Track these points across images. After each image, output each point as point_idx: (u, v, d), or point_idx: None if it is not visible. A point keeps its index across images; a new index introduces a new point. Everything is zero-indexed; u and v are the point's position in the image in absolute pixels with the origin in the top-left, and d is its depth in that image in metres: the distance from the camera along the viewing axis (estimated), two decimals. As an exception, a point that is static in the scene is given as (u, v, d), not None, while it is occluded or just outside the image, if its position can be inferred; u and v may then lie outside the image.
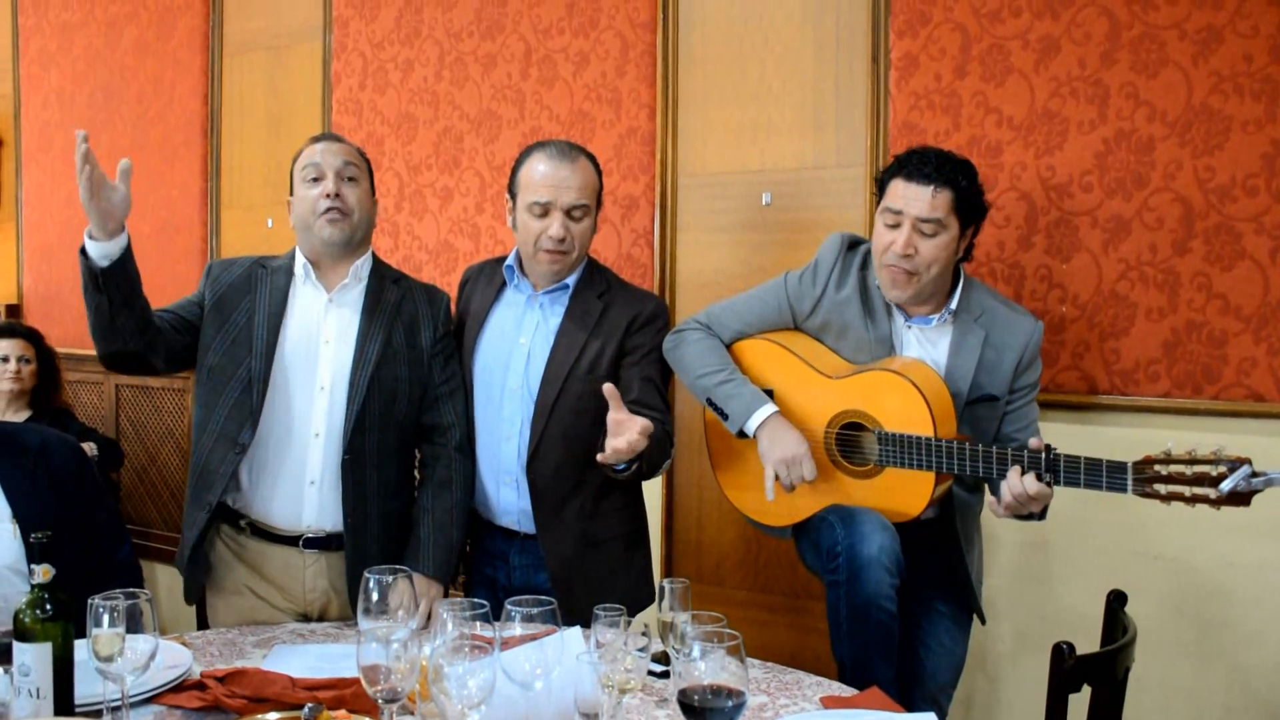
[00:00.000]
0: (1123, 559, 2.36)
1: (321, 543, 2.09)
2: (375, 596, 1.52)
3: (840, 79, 2.64)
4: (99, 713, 1.45)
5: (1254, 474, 1.68)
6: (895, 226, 2.02)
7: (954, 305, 2.07)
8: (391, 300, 2.16)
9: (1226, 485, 1.68)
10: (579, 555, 2.18)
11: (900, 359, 2.07)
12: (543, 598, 1.46)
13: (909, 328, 2.10)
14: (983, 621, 2.22)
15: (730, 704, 1.31)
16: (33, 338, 3.63)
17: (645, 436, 1.94)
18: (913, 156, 2.04)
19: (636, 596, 2.21)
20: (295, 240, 2.18)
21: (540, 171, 2.16)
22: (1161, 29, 2.26)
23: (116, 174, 1.85)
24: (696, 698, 1.31)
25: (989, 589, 2.36)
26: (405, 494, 2.19)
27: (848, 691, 1.69)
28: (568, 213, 2.15)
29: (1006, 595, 2.51)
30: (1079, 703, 1.63)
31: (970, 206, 2.04)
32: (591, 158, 2.23)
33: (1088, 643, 1.72)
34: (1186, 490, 1.72)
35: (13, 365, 3.52)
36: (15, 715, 1.40)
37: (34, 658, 1.40)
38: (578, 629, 1.56)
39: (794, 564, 2.43)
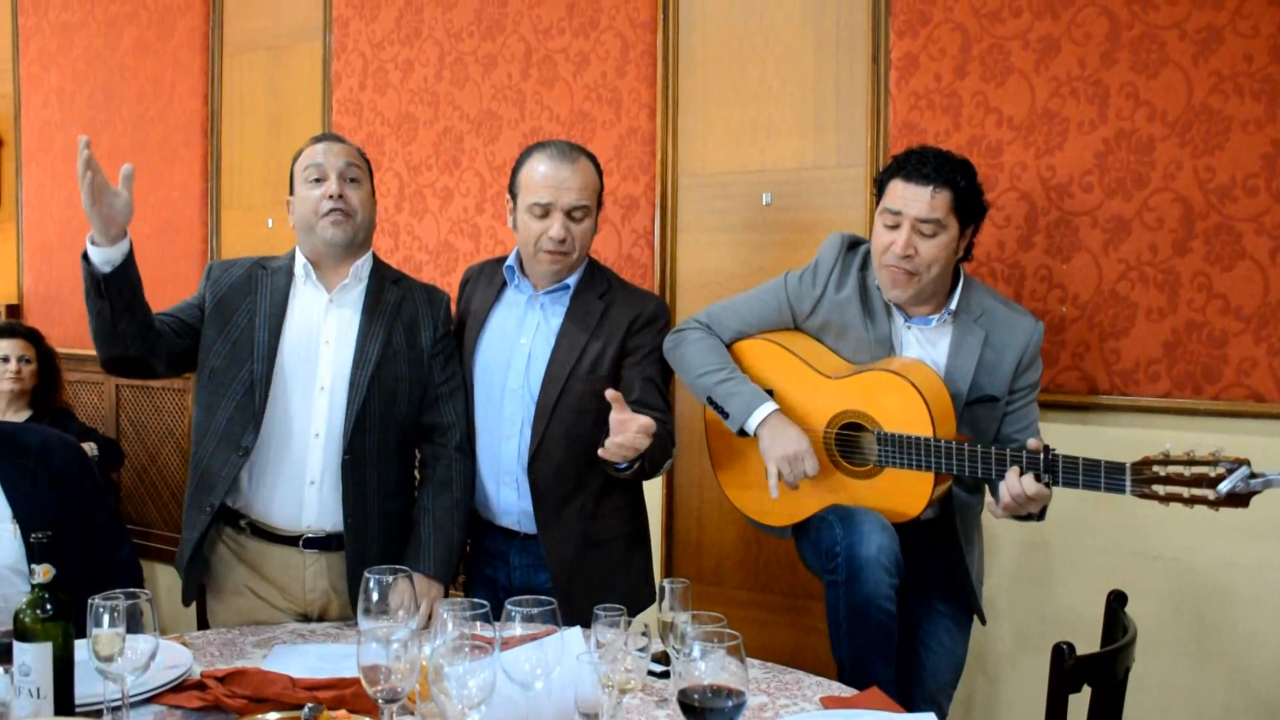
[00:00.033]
0: (1123, 559, 2.36)
1: (321, 543, 2.09)
2: (375, 596, 1.52)
3: (840, 79, 2.64)
4: (99, 713, 1.45)
5: (1252, 475, 1.68)
6: (895, 227, 2.02)
7: (954, 305, 2.07)
8: (391, 300, 2.16)
9: (1225, 486, 1.68)
10: (580, 555, 2.18)
11: (900, 359, 2.07)
12: (543, 598, 1.46)
13: (909, 328, 2.10)
14: (983, 622, 2.23)
15: (730, 704, 1.31)
16: (33, 338, 3.63)
17: (648, 435, 1.94)
18: (911, 157, 2.04)
19: (637, 596, 2.21)
20: (295, 240, 2.18)
21: (541, 172, 2.16)
22: (1162, 29, 2.26)
23: (119, 179, 1.85)
24: (696, 698, 1.31)
25: (989, 589, 2.36)
26: (405, 494, 2.19)
27: (848, 691, 1.69)
28: (568, 214, 2.15)
29: (1007, 595, 2.51)
30: (1079, 703, 1.63)
31: (969, 206, 2.04)
32: (592, 158, 2.23)
33: (1088, 643, 1.71)
34: (1185, 491, 1.72)
35: (13, 365, 3.52)
36: (15, 715, 1.40)
37: (34, 657, 1.40)
38: (578, 629, 1.56)
39: (794, 564, 2.43)
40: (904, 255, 2.00)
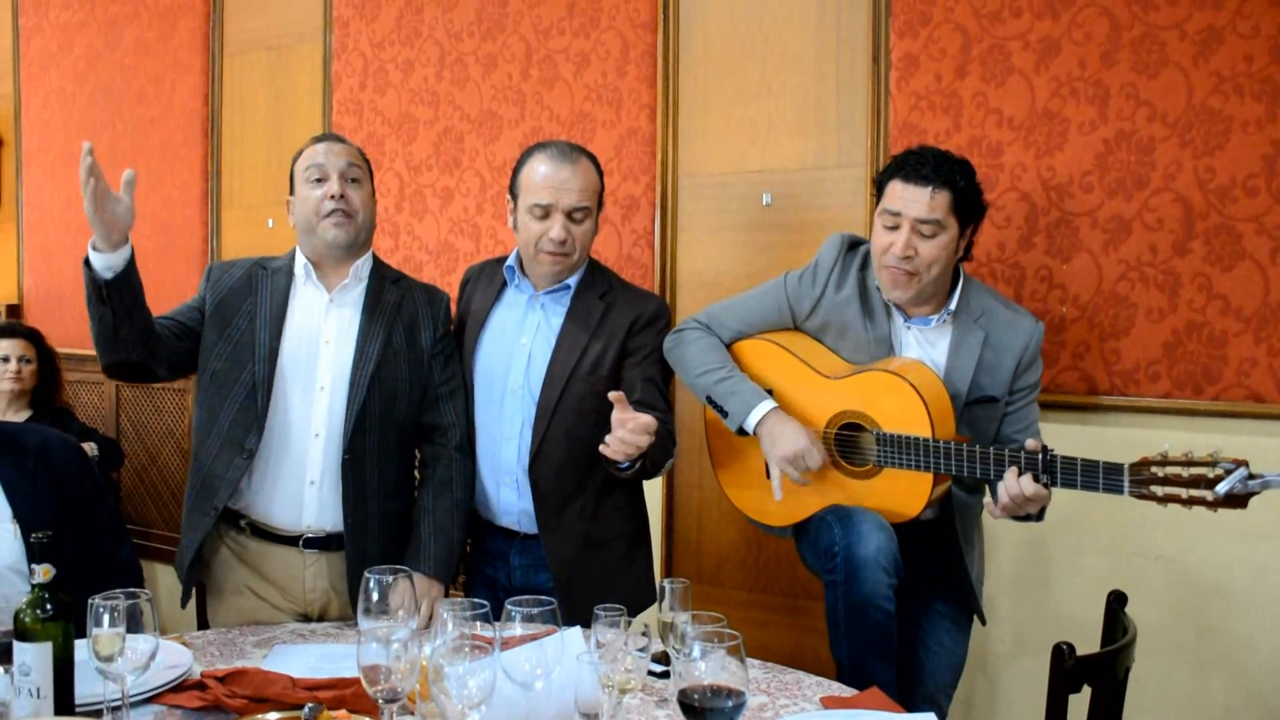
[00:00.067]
0: (1123, 560, 2.36)
1: (321, 543, 2.09)
2: (375, 596, 1.52)
3: (841, 79, 2.64)
4: (99, 712, 1.45)
5: (1251, 476, 1.68)
6: (894, 228, 2.02)
7: (953, 306, 2.07)
8: (391, 300, 2.16)
9: (1223, 487, 1.68)
10: (581, 555, 2.18)
11: (899, 359, 2.07)
12: (543, 598, 1.46)
13: (908, 328, 2.10)
14: (983, 622, 2.23)
15: (730, 704, 1.31)
16: (33, 338, 3.63)
17: (650, 433, 1.94)
18: (910, 157, 2.03)
19: (638, 596, 2.21)
20: (295, 240, 2.18)
21: (541, 173, 2.16)
22: (1162, 29, 2.26)
23: (120, 185, 1.85)
24: (696, 698, 1.31)
25: (989, 589, 2.36)
26: (405, 494, 2.19)
27: (848, 691, 1.69)
28: (569, 215, 2.15)
29: (1007, 596, 2.51)
30: (1079, 703, 1.63)
31: (969, 206, 2.04)
32: (593, 159, 2.22)
33: (1088, 644, 1.71)
34: (1183, 492, 1.72)
35: (13, 365, 3.52)
36: (15, 715, 1.40)
37: (34, 657, 1.40)
38: (578, 629, 1.56)
39: (794, 564, 2.43)
40: (904, 256, 2.00)
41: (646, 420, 1.93)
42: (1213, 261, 2.23)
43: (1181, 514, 1.77)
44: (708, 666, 1.32)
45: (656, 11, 2.89)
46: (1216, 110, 2.21)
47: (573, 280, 2.23)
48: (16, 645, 1.40)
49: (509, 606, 1.45)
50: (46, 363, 3.64)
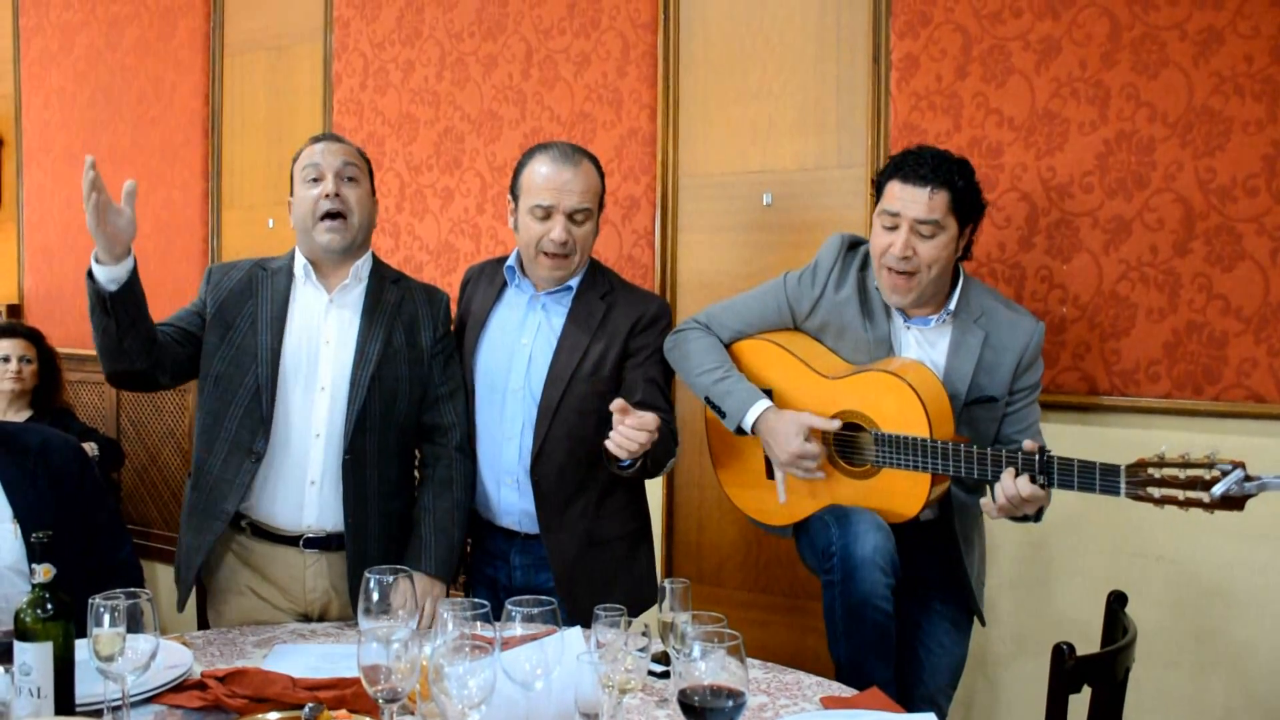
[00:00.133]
0: (1124, 561, 2.36)
1: (322, 543, 2.09)
2: (376, 596, 1.52)
3: (841, 80, 2.64)
4: (100, 712, 1.45)
5: (1247, 478, 1.67)
6: (893, 228, 2.02)
7: (953, 306, 2.07)
8: (391, 300, 2.16)
9: (1219, 489, 1.68)
10: (583, 555, 2.18)
11: (898, 360, 2.07)
12: (543, 598, 1.46)
13: (908, 328, 2.10)
14: (983, 623, 2.22)
15: (730, 704, 1.31)
16: (34, 338, 3.63)
17: (651, 430, 1.93)
18: (909, 158, 2.03)
19: (640, 595, 2.21)
20: (296, 240, 2.18)
21: (543, 174, 2.16)
22: (1162, 30, 2.26)
23: (121, 196, 1.85)
24: (697, 698, 1.31)
25: (989, 590, 2.36)
26: (406, 494, 2.19)
27: (848, 692, 1.69)
28: (570, 216, 2.15)
29: (1007, 597, 2.51)
30: (1079, 704, 1.63)
31: (968, 206, 2.03)
32: (594, 161, 2.22)
33: (1088, 645, 1.71)
34: (1180, 494, 1.72)
35: (14, 365, 3.52)
36: (16, 714, 1.40)
37: (35, 657, 1.40)
38: (578, 629, 1.56)
39: (794, 564, 2.43)
40: (902, 256, 2.00)
41: (649, 416, 1.93)
42: (1213, 262, 2.23)
43: (1181, 515, 1.77)
44: (708, 666, 1.32)
45: (657, 12, 2.89)
46: (1217, 110, 2.21)
47: (574, 281, 2.23)
48: (17, 645, 1.41)
49: (509, 606, 1.45)
50: (47, 363, 3.64)
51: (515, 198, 2.23)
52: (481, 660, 1.29)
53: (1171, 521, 2.11)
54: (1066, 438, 2.25)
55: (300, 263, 2.15)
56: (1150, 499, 1.74)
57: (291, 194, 2.17)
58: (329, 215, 2.09)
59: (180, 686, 1.61)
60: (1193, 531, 2.25)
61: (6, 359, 3.52)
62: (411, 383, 2.15)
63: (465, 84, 3.23)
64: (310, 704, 1.40)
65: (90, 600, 1.39)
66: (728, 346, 2.24)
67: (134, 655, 1.40)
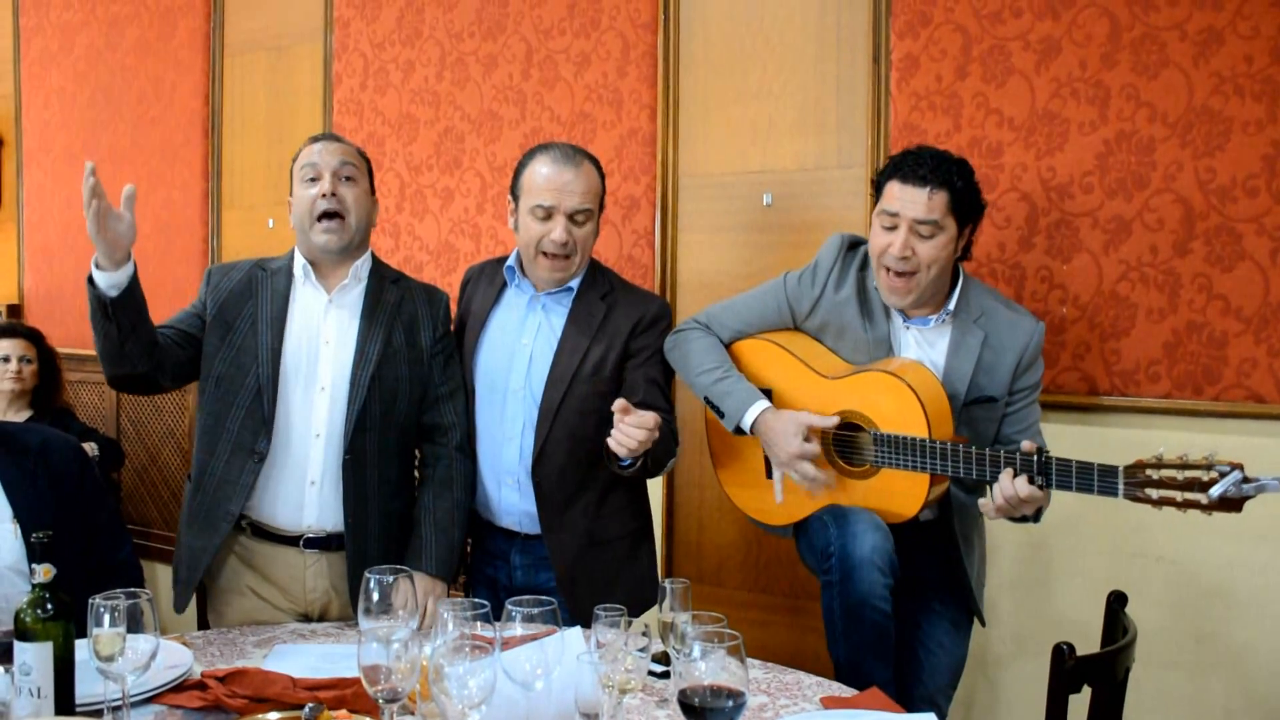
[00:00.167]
0: (1124, 561, 2.36)
1: (322, 543, 2.09)
2: (376, 596, 1.52)
3: (841, 80, 2.64)
4: (100, 712, 1.45)
5: (1245, 479, 1.67)
6: (892, 229, 2.01)
7: (952, 306, 2.07)
8: (391, 300, 2.16)
9: (1217, 490, 1.67)
10: (584, 555, 2.18)
11: (897, 360, 2.07)
12: (543, 598, 1.46)
13: (907, 328, 2.10)
14: (983, 623, 2.23)
15: (730, 704, 1.31)
16: (34, 338, 3.63)
17: (652, 428, 1.93)
18: (908, 158, 2.03)
19: (642, 595, 2.20)
20: (295, 241, 2.18)
21: (544, 175, 2.16)
22: (1162, 30, 2.26)
23: (121, 201, 1.85)
24: (697, 698, 1.31)
25: (989, 590, 2.36)
26: (406, 494, 2.19)
27: (848, 692, 1.69)
28: (571, 217, 2.15)
29: (1007, 597, 2.51)
30: (1079, 704, 1.63)
31: (967, 206, 2.03)
32: (595, 161, 2.22)
33: (1088, 645, 1.71)
34: (1178, 495, 1.72)
35: (14, 365, 3.52)
36: (16, 714, 1.40)
37: (35, 657, 1.40)
38: (578, 629, 1.56)
39: (794, 564, 2.43)
40: (901, 256, 2.00)
41: (649, 415, 1.93)
42: (1213, 262, 2.23)
43: (1181, 515, 1.77)
44: (708, 666, 1.32)
45: (657, 12, 2.89)
46: (1217, 111, 2.21)
47: (574, 282, 2.23)
48: (17, 645, 1.41)
49: (509, 606, 1.45)
50: (47, 363, 3.64)
51: (515, 198, 2.23)
52: (481, 660, 1.29)
53: (1171, 522, 2.11)
54: (1066, 438, 2.25)
55: (300, 263, 2.15)
56: (1148, 500, 1.74)
57: (291, 194, 2.17)
58: (326, 215, 2.09)
59: (180, 687, 1.61)
60: (1193, 532, 2.25)
61: (6, 359, 3.52)
62: (411, 383, 2.15)
63: (465, 84, 3.24)
64: (310, 704, 1.40)
65: (90, 600, 1.39)
66: (727, 346, 2.24)
67: (134, 655, 1.40)
